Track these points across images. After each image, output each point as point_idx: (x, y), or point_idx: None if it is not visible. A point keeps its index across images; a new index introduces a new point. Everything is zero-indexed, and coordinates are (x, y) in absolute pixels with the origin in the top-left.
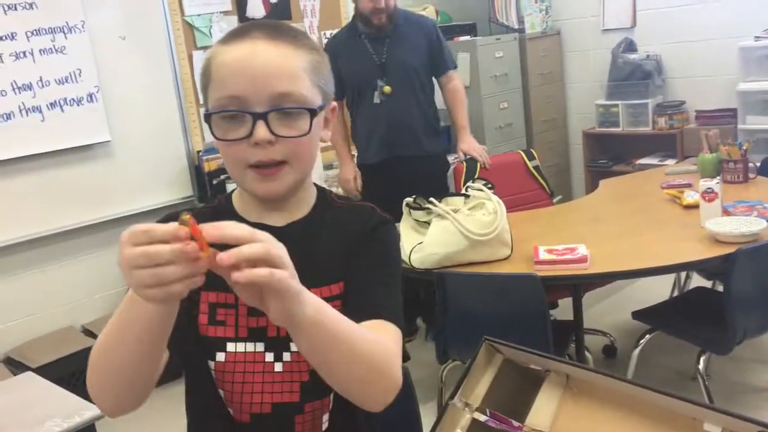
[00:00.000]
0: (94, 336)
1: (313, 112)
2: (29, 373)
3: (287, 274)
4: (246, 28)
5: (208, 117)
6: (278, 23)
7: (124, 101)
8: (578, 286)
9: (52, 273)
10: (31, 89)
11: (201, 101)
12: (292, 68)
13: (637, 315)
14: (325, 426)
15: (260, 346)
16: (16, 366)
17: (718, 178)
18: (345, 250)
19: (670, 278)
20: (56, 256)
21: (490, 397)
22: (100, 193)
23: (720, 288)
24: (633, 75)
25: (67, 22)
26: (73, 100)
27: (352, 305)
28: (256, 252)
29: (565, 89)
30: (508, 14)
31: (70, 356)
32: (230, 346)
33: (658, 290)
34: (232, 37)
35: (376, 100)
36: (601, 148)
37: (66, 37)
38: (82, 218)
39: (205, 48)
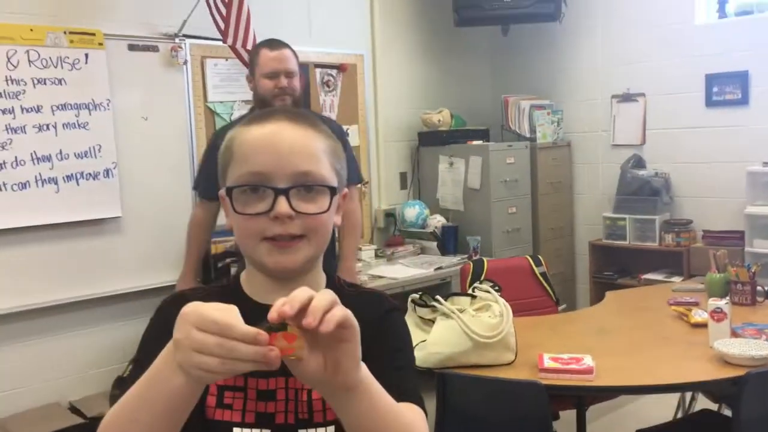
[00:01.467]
0: (81, 414)
1: (333, 191)
2: None
3: (353, 318)
4: (269, 112)
5: (229, 191)
6: (300, 111)
7: (139, 179)
8: (582, 398)
9: (45, 345)
10: (49, 161)
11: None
12: (313, 149)
13: None
14: None
15: None
16: None
17: (727, 298)
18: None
19: (674, 397)
20: (52, 328)
21: None
22: (104, 269)
23: (727, 412)
24: (641, 190)
25: (93, 100)
26: (90, 174)
27: None
28: (326, 305)
29: (573, 199)
30: (520, 123)
31: None
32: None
33: (662, 409)
34: (254, 119)
35: None
36: (607, 260)
37: (90, 114)
38: (83, 292)
39: None
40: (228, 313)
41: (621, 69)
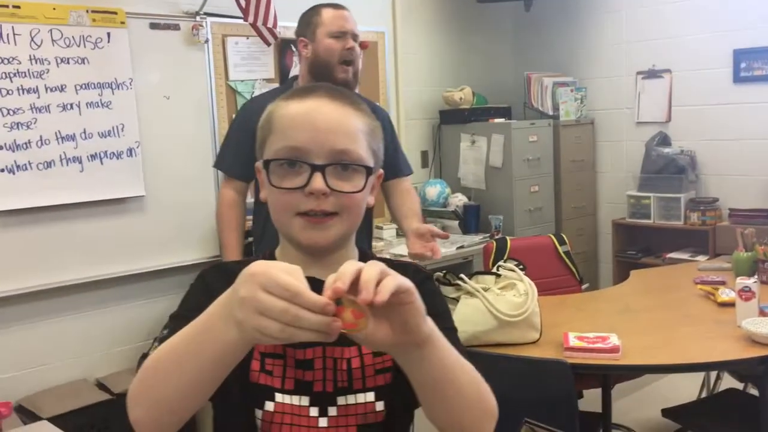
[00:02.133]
0: (108, 390)
1: (369, 171)
2: (43, 422)
3: (407, 281)
4: (310, 87)
5: (267, 164)
6: (341, 90)
7: (161, 158)
8: (608, 377)
9: (70, 323)
10: (74, 140)
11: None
12: (352, 127)
13: (667, 413)
14: None
15: (305, 400)
16: (27, 415)
17: (755, 277)
18: None
19: (699, 376)
20: (77, 306)
21: None
22: (127, 247)
23: (753, 391)
24: (666, 169)
25: (116, 79)
26: (113, 153)
27: None
28: (376, 276)
29: (597, 178)
30: (543, 101)
31: (82, 409)
32: (278, 397)
33: (687, 388)
34: (295, 94)
35: None
36: (630, 239)
37: (113, 93)
38: (107, 271)
39: None
40: (296, 276)
41: (646, 45)
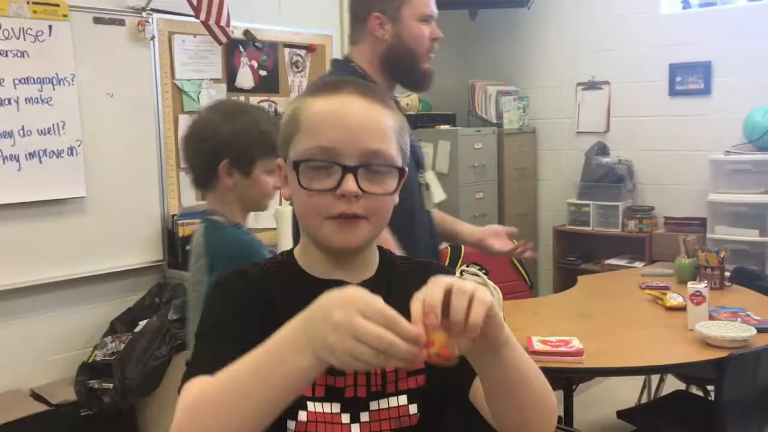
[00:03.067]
0: (45, 401)
1: (402, 173)
2: None
3: (488, 295)
4: (338, 82)
5: (296, 165)
6: (369, 85)
7: (103, 158)
8: (570, 379)
9: (3, 330)
10: (11, 137)
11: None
12: (383, 125)
13: (622, 415)
14: None
15: (336, 407)
16: None
17: (705, 282)
18: None
19: (638, 378)
20: (10, 312)
21: None
22: (66, 250)
23: (697, 392)
24: (605, 177)
25: (57, 74)
26: (53, 152)
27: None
28: (464, 305)
29: (538, 185)
30: (487, 109)
31: (17, 422)
32: (310, 406)
33: (627, 390)
34: (322, 89)
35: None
36: (570, 245)
37: (54, 89)
38: (45, 275)
39: (191, 113)
40: (387, 306)
41: (587, 57)
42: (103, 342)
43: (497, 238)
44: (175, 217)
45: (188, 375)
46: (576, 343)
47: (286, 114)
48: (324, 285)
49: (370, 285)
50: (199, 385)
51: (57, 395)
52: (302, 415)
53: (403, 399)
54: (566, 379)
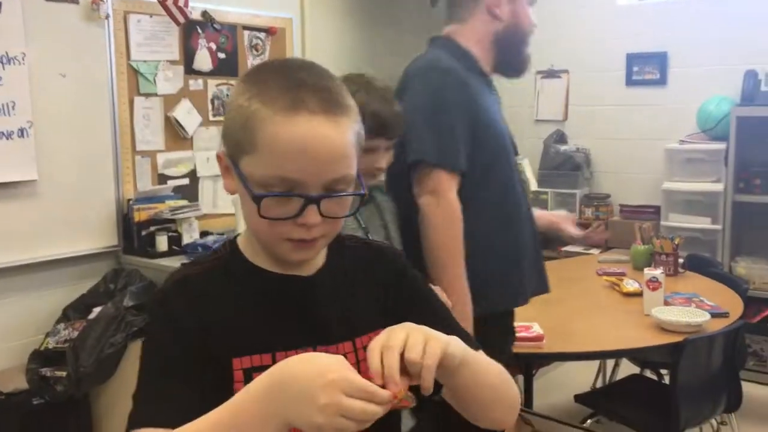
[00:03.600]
0: None
1: (363, 196)
2: None
3: (437, 340)
4: (299, 96)
5: (257, 198)
6: (328, 87)
7: (56, 140)
8: (530, 364)
9: None
10: None
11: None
12: (348, 150)
13: (579, 398)
14: None
15: None
16: None
17: (661, 268)
18: (382, 295)
19: (593, 362)
20: None
21: None
22: (17, 235)
23: (651, 376)
24: (563, 165)
25: (6, 53)
26: (2, 133)
27: None
28: (418, 357)
29: None
30: None
31: None
32: None
33: (583, 374)
34: (280, 100)
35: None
36: None
37: (3, 68)
38: None
39: (147, 95)
40: (364, 380)
41: (546, 45)
42: (56, 329)
43: (570, 223)
44: (131, 202)
45: (135, 421)
46: (537, 329)
47: (238, 115)
48: (280, 281)
49: (328, 271)
50: None
51: (8, 384)
52: None
53: None
54: (526, 365)
